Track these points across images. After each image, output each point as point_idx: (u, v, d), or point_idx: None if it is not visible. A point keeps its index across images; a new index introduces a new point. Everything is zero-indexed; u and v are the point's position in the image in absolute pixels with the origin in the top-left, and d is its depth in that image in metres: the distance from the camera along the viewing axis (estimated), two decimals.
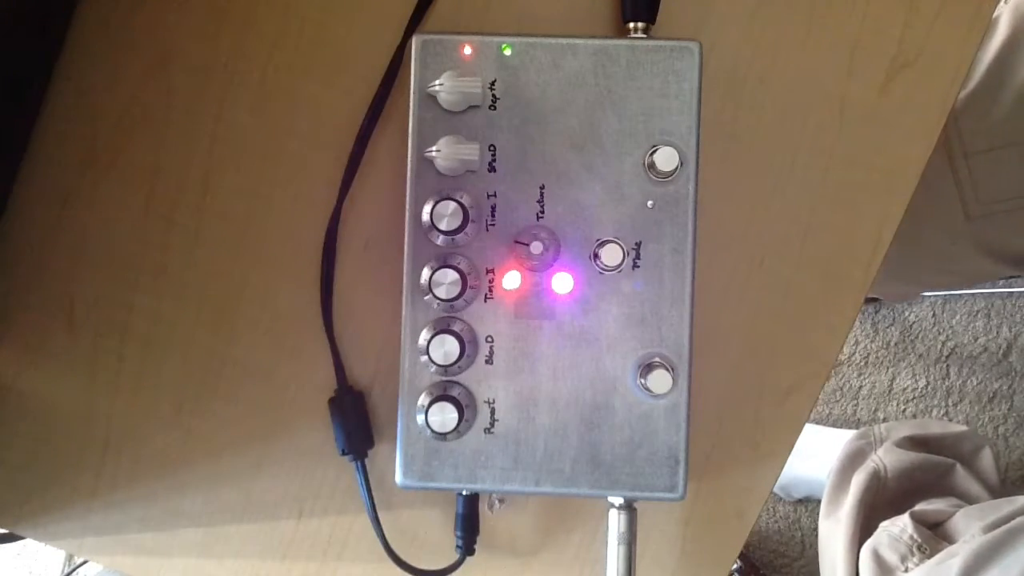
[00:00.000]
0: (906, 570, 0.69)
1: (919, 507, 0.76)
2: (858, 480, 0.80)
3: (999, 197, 0.66)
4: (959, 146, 0.65)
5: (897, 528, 0.72)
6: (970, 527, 0.68)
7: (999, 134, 0.65)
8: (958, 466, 0.84)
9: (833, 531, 0.80)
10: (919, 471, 0.83)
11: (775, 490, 1.25)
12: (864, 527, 0.76)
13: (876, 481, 0.81)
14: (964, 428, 0.90)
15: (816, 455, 1.13)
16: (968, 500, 0.80)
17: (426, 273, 0.41)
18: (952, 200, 0.67)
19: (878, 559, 0.71)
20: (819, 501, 0.89)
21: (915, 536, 0.70)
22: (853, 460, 0.86)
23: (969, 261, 0.72)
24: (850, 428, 1.24)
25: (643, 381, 0.40)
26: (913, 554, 0.69)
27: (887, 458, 0.83)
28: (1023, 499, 0.67)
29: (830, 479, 0.86)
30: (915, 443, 0.87)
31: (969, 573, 0.62)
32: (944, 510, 0.74)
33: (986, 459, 0.87)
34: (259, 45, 0.47)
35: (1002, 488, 0.85)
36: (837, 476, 0.85)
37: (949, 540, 0.69)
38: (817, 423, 1.27)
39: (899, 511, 0.75)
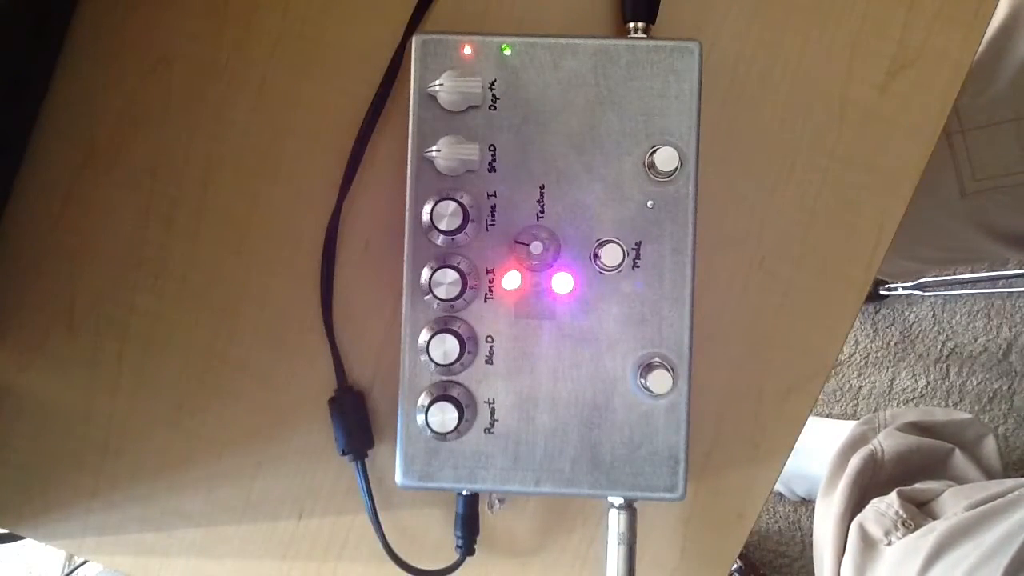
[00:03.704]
0: (888, 543, 0.69)
1: (910, 486, 0.76)
2: (855, 461, 0.81)
3: (994, 173, 0.66)
4: (956, 122, 0.65)
5: (884, 504, 0.73)
6: (956, 506, 0.68)
7: (996, 111, 0.65)
8: (957, 451, 0.85)
9: (826, 509, 0.81)
10: (916, 454, 0.83)
11: (777, 486, 1.25)
12: (857, 505, 0.77)
13: (872, 462, 0.81)
14: (968, 416, 0.90)
15: (820, 450, 1.13)
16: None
17: (426, 273, 0.41)
18: (948, 176, 0.67)
19: (863, 533, 0.72)
20: None
21: (900, 512, 0.71)
22: (855, 444, 0.86)
23: (967, 238, 0.72)
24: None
25: (643, 381, 0.40)
26: (897, 528, 0.70)
27: (886, 441, 0.83)
28: (1010, 482, 0.68)
29: (830, 462, 0.86)
30: (918, 429, 0.87)
31: (943, 547, 0.62)
32: (933, 489, 0.75)
33: (989, 447, 0.88)
34: (259, 45, 0.47)
35: (1004, 476, 0.85)
36: (837, 458, 0.86)
37: (935, 518, 0.70)
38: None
39: None
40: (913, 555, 0.65)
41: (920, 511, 0.73)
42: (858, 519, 0.74)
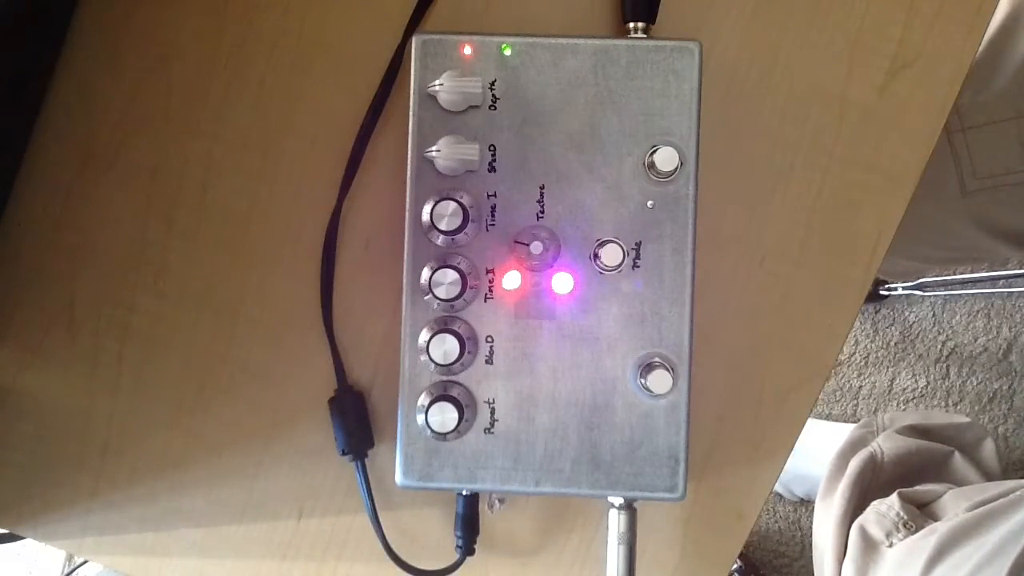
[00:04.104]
0: (890, 545, 0.69)
1: (910, 488, 0.76)
2: (854, 463, 0.81)
3: (995, 172, 0.66)
4: (956, 120, 0.65)
5: (885, 506, 0.73)
6: (957, 507, 0.68)
7: (997, 109, 0.65)
8: (956, 454, 0.85)
9: (826, 511, 0.81)
10: (916, 457, 0.83)
11: (776, 487, 1.25)
12: (857, 508, 0.77)
13: (872, 464, 0.81)
14: (967, 419, 0.90)
15: (819, 451, 1.13)
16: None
17: (426, 273, 0.41)
18: (949, 174, 0.67)
19: (864, 535, 0.72)
20: None
21: (901, 513, 0.71)
22: (854, 446, 0.86)
23: (967, 237, 0.72)
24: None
25: (643, 381, 0.40)
26: (898, 530, 0.70)
27: (886, 444, 0.83)
28: (1011, 483, 0.67)
29: (829, 464, 0.86)
30: (917, 431, 0.87)
31: (944, 548, 0.62)
32: (934, 490, 0.75)
33: (988, 449, 0.88)
34: (259, 45, 0.47)
35: (1004, 478, 0.85)
36: (836, 461, 0.86)
37: (936, 519, 0.70)
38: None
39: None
40: (915, 556, 0.65)
41: (921, 513, 0.72)
42: (859, 521, 0.74)
